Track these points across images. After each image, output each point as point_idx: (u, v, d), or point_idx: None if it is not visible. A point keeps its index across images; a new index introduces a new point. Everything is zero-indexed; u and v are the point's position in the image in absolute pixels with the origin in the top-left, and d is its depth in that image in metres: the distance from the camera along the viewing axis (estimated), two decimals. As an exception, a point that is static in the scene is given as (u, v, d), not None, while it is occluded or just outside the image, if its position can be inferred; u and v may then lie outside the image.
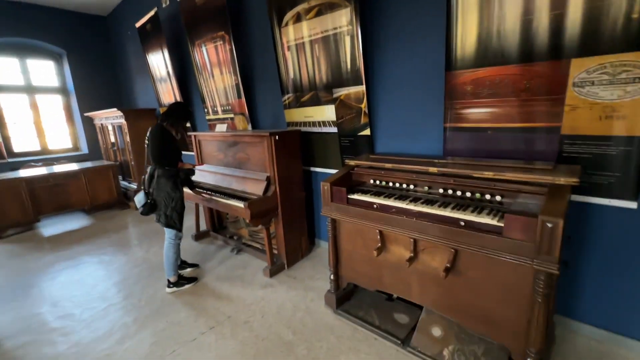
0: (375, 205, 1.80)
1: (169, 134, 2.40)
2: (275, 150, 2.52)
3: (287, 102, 2.97)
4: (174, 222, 2.44)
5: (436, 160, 1.88)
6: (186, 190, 2.90)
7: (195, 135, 3.40)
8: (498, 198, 1.56)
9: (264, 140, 2.58)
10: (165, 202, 2.39)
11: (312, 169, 3.03)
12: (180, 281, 2.58)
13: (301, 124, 2.93)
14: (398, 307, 2.06)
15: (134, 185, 4.96)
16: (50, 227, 4.33)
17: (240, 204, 2.51)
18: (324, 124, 2.74)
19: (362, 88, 2.35)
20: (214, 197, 2.81)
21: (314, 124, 2.83)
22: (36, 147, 5.77)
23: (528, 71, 1.66)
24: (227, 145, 3.03)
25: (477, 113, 1.88)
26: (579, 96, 1.55)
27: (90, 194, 4.59)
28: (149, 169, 2.45)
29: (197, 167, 3.06)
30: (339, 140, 2.69)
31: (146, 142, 2.41)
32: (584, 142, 1.60)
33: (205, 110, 3.99)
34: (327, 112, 2.67)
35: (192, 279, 2.64)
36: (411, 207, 1.67)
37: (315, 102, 2.73)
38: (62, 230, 4.18)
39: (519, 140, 1.78)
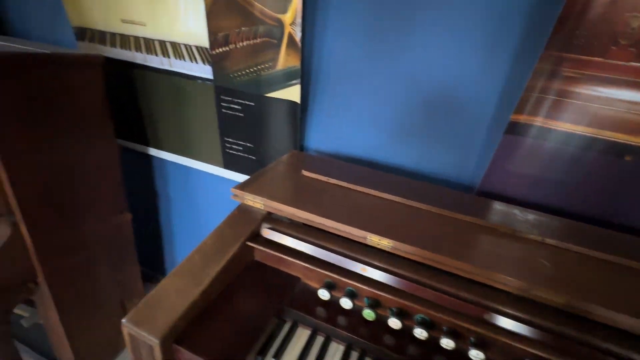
0: None
1: None
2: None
3: (66, -35, 1.07)
4: None
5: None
6: None
7: None
8: None
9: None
10: None
11: (155, 152, 1.35)
12: None
13: (119, 41, 1.14)
14: None
15: None
16: None
17: None
18: (178, 50, 1.06)
19: (293, -42, 0.78)
20: None
21: (150, 45, 1.10)
22: None
23: None
24: None
25: (620, 101, 0.66)
26: None
27: None
28: None
29: None
30: (216, 101, 1.09)
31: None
32: None
33: None
34: (186, 20, 0.99)
35: None
36: None
37: (150, -19, 0.98)
38: None
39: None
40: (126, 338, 0.48)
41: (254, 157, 1.14)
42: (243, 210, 0.69)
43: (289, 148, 1.06)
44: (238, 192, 0.69)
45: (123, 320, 0.46)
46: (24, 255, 0.92)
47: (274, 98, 0.99)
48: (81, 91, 0.95)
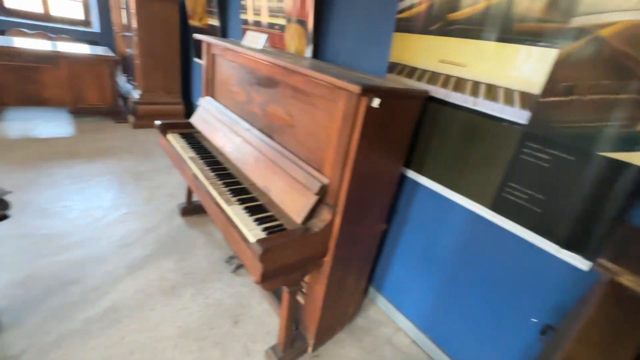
0: None
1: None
2: (362, 129, 0.97)
3: (410, 13, 1.29)
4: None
5: None
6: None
7: (209, 44, 1.85)
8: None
9: (338, 97, 1.01)
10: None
11: (412, 175, 1.47)
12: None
13: (427, 77, 1.29)
14: None
15: (137, 93, 3.61)
16: (17, 124, 3.22)
17: (248, 236, 1.09)
18: (492, 92, 1.10)
19: None
20: (200, 182, 1.39)
21: (460, 84, 1.19)
22: (37, 8, 4.42)
23: None
24: (254, 81, 1.49)
25: None
26: None
27: (73, 92, 3.32)
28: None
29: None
30: (517, 146, 1.07)
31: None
32: None
33: (243, 3, 2.34)
34: (520, 67, 1.01)
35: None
36: None
37: (501, 32, 1.05)
38: (25, 133, 3.05)
39: None
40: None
41: (538, 210, 1.06)
42: (617, 290, 0.61)
43: (602, 214, 0.92)
44: (612, 266, 0.62)
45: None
46: (328, 238, 1.15)
47: (610, 158, 0.87)
48: (404, 117, 1.12)
